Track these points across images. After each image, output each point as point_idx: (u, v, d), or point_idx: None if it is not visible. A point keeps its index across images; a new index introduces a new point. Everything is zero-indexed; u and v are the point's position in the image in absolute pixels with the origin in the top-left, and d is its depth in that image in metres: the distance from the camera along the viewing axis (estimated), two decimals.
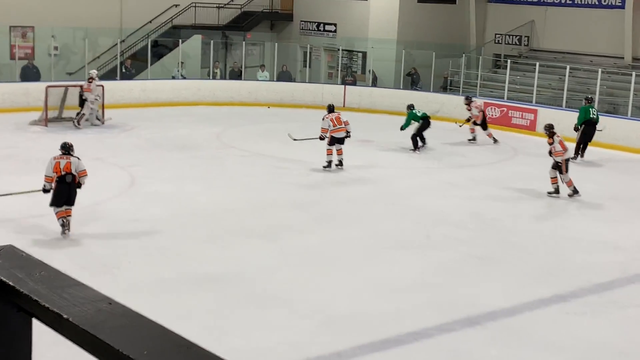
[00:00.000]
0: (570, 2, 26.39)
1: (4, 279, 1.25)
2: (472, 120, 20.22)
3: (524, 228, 12.55)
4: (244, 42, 27.28)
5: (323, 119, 16.46)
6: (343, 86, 25.69)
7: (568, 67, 23.12)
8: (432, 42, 26.13)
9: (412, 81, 26.05)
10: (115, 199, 13.19)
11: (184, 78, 25.38)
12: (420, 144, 18.56)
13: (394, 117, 24.02)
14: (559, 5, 26.69)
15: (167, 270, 9.83)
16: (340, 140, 16.27)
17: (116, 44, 24.64)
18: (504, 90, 24.14)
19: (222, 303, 8.80)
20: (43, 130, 19.19)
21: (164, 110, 22.82)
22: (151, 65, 24.97)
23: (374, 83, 26.47)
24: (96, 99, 19.95)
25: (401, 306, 8.93)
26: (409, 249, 11.11)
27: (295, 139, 17.33)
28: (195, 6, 27.06)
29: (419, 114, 18.65)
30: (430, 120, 18.80)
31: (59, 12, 24.21)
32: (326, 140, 16.24)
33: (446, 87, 26.03)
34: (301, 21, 29.16)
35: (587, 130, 18.48)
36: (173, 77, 25.30)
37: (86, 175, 11.15)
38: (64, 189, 10.94)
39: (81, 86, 20.01)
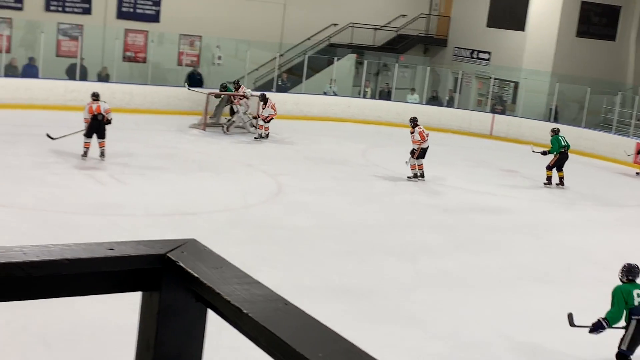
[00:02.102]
0: None
1: (189, 270, 1.29)
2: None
3: None
4: (396, 64, 27.35)
5: (265, 108, 19.87)
6: (492, 114, 25.26)
7: None
8: (587, 77, 25.23)
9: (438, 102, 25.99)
10: (262, 204, 13.51)
11: (335, 95, 25.70)
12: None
13: (540, 149, 23.38)
14: None
15: (304, 278, 9.96)
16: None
17: (275, 58, 25.31)
18: None
19: (355, 316, 8.81)
20: (201, 134, 19.95)
21: (314, 124, 23.21)
22: (306, 80, 25.46)
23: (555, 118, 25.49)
24: (245, 113, 20.66)
25: (536, 341, 8.64)
26: (547, 283, 10.75)
27: (223, 123, 20.99)
28: (352, 26, 27.39)
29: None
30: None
31: (226, 24, 25.11)
32: (262, 120, 19.95)
33: (555, 117, 24.90)
34: (455, 47, 28.92)
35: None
36: (325, 93, 25.68)
37: (111, 111, 15.41)
38: (95, 124, 15.15)
39: (232, 97, 20.79)
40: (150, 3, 24.56)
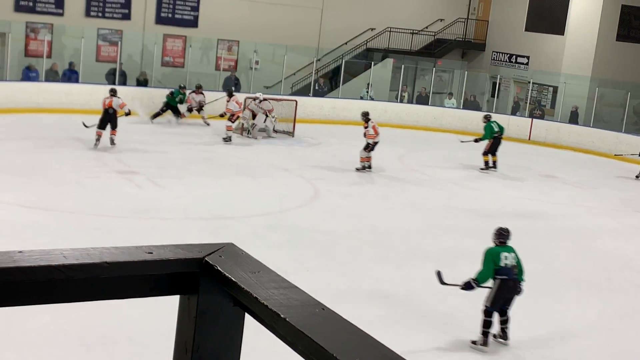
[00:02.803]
0: None
1: (227, 274, 1.29)
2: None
3: None
4: (433, 69, 27.25)
5: (228, 102, 19.57)
6: (530, 119, 25.04)
7: None
8: (628, 82, 24.89)
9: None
10: (299, 209, 13.52)
11: (372, 99, 25.65)
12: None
13: (580, 154, 23.15)
14: None
15: (341, 282, 9.94)
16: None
17: (312, 62, 25.36)
18: None
19: (393, 321, 8.77)
20: (238, 139, 20.02)
21: (351, 129, 23.13)
22: (343, 84, 25.47)
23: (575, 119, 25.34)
24: (273, 117, 20.61)
25: (574, 348, 8.53)
26: (587, 289, 10.60)
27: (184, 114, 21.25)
28: (390, 31, 27.36)
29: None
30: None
31: (263, 29, 25.24)
32: (229, 118, 19.42)
33: (576, 120, 24.71)
34: (493, 52, 28.73)
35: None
36: (361, 98, 25.65)
37: (125, 104, 16.99)
38: (107, 117, 16.64)
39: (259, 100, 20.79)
40: (188, 8, 24.78)
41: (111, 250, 1.29)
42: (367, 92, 25.77)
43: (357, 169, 17.03)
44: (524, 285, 8.43)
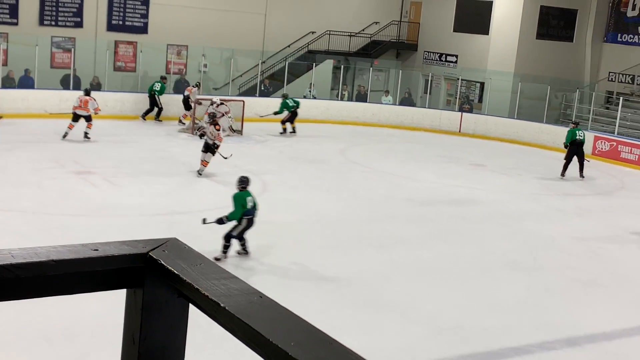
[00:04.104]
0: None
1: (170, 267, 1.28)
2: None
3: (630, 257, 11.97)
4: (370, 68, 27.38)
5: (78, 97, 18.06)
6: (460, 113, 25.36)
7: None
8: (548, 76, 25.40)
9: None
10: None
11: (315, 98, 25.64)
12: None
13: (506, 144, 23.54)
14: None
15: (290, 270, 9.95)
16: (87, 118, 17.79)
17: (257, 65, 25.24)
18: (615, 125, 23.20)
19: (337, 304, 8.81)
20: (190, 138, 19.84)
21: (296, 126, 23.15)
22: (287, 85, 25.41)
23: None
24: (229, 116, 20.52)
25: (505, 323, 8.69)
26: (516, 269, 10.80)
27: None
28: (329, 34, 27.38)
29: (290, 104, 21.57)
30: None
31: (211, 33, 25.01)
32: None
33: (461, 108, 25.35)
34: (425, 51, 28.98)
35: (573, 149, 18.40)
36: (304, 97, 25.61)
37: None
38: None
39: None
40: (138, 16, 24.41)
41: (58, 249, 1.27)
42: (310, 91, 25.76)
43: (199, 173, 15.25)
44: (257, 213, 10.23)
